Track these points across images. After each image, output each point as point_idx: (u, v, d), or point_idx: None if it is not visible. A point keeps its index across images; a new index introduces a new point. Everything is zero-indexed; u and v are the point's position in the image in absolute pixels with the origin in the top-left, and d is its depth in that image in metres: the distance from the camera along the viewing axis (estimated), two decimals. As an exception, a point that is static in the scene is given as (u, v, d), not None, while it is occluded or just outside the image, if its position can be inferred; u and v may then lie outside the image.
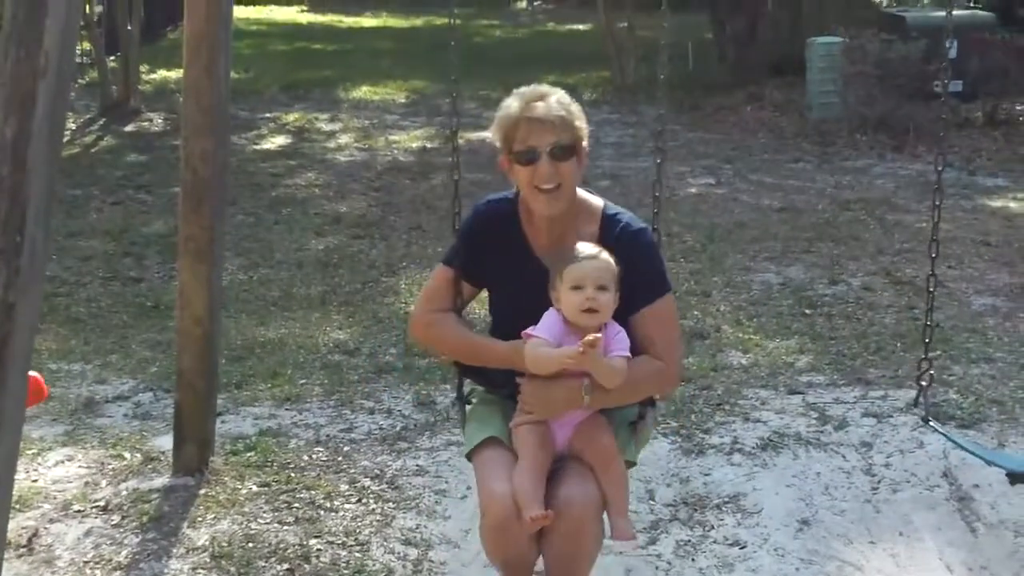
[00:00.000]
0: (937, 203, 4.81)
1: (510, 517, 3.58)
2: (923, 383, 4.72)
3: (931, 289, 4.77)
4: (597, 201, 3.90)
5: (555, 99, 3.75)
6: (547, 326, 3.64)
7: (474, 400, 4.14)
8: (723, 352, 7.15)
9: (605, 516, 3.75)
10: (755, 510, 5.15)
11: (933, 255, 4.79)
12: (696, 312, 7.87)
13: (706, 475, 5.49)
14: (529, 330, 3.64)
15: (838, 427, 5.99)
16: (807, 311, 7.97)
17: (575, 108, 3.80)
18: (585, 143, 3.80)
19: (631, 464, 3.89)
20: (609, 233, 3.79)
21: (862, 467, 5.57)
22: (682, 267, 8.92)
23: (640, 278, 3.72)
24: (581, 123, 3.78)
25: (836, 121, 14.83)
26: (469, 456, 3.89)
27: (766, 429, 5.98)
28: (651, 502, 5.21)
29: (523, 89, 3.82)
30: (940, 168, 4.86)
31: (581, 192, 3.86)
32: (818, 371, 6.83)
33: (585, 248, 3.66)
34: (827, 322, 7.73)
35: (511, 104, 3.77)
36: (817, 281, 8.67)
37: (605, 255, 3.64)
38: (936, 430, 4.83)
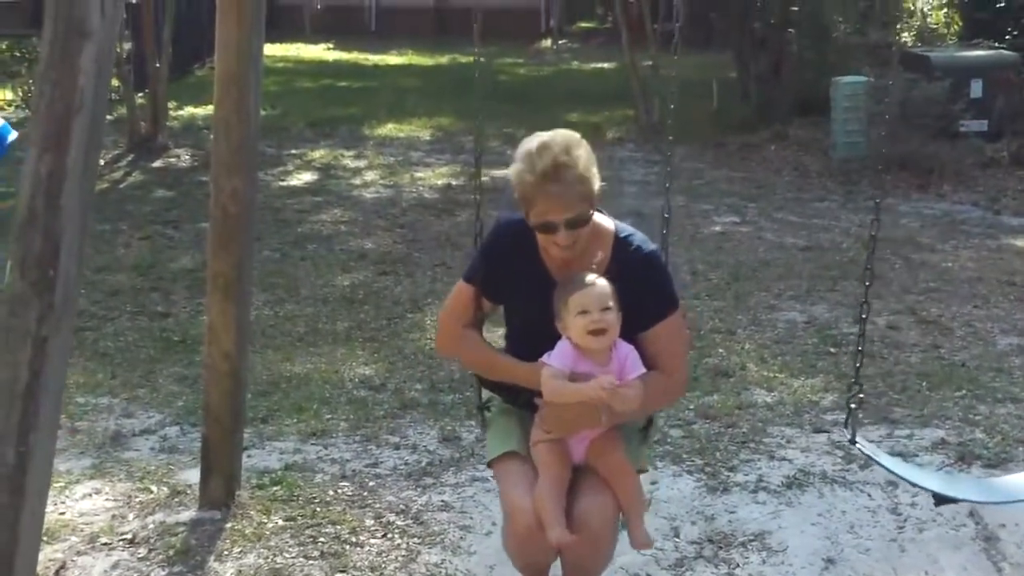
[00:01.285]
0: (874, 230, 5.28)
1: (532, 528, 3.84)
2: (852, 405, 4.81)
3: (864, 316, 5.11)
4: (609, 224, 4.09)
5: (572, 175, 3.84)
6: (559, 354, 3.87)
7: (493, 409, 4.33)
8: (748, 390, 7.15)
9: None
10: (780, 548, 5.14)
11: (867, 280, 5.11)
12: (721, 350, 7.88)
13: (731, 513, 5.48)
14: (544, 358, 3.87)
15: (863, 466, 5.97)
16: (832, 350, 7.96)
17: (589, 169, 3.91)
18: (597, 188, 3.95)
19: (643, 471, 4.16)
20: (622, 255, 4.01)
21: (888, 506, 5.56)
22: (707, 305, 8.93)
23: (651, 297, 3.97)
24: (595, 181, 3.93)
25: (860, 161, 14.83)
26: (489, 464, 4.18)
27: (791, 467, 5.97)
28: (676, 539, 5.21)
29: (535, 150, 3.88)
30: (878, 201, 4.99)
31: (596, 216, 4.03)
32: (843, 410, 6.74)
33: (586, 276, 3.88)
34: (852, 361, 7.70)
35: (526, 175, 3.87)
36: (842, 320, 8.66)
37: (603, 282, 3.87)
38: (863, 452, 4.84)
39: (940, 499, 4.71)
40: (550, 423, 3.92)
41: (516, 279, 4.05)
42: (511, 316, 4.19)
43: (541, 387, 3.87)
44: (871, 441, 6.24)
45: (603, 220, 4.06)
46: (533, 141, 3.92)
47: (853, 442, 4.79)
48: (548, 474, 3.89)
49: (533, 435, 3.99)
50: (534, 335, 3.96)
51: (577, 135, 3.97)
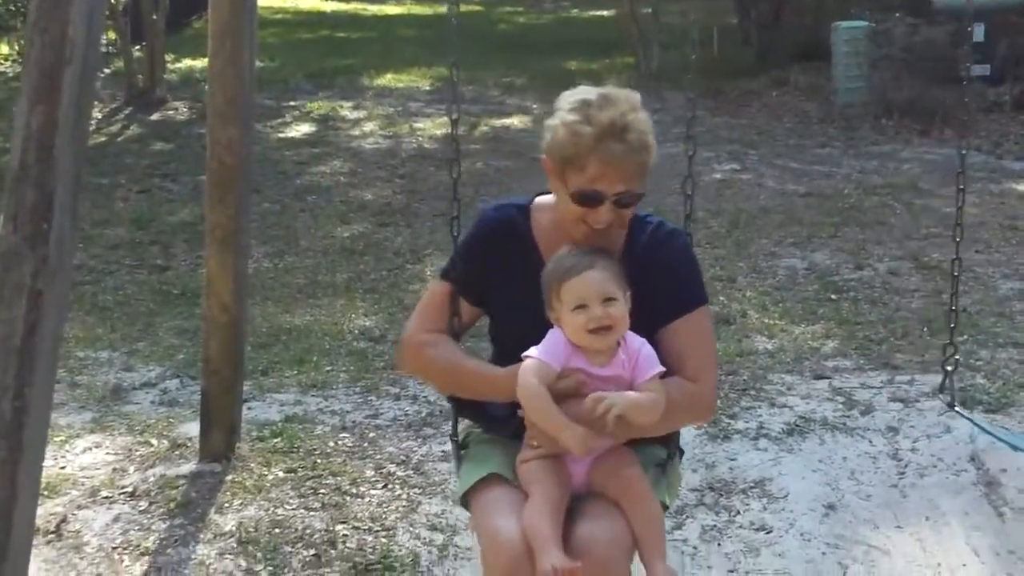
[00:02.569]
0: (961, 187, 4.67)
1: (520, 561, 2.96)
2: (948, 368, 4.66)
3: (956, 273, 4.70)
4: None
5: (637, 138, 3.09)
6: (549, 348, 3.07)
7: (471, 444, 3.50)
8: (749, 337, 7.14)
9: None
10: (781, 495, 5.14)
11: (958, 239, 4.72)
12: (722, 298, 7.86)
13: (732, 460, 5.48)
14: (530, 351, 3.08)
15: (864, 412, 5.97)
16: (833, 296, 7.95)
17: (652, 137, 3.16)
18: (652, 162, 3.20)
19: (664, 507, 3.28)
20: (640, 236, 3.27)
21: (888, 452, 5.56)
22: (707, 253, 8.90)
23: (674, 285, 3.22)
24: (654, 154, 3.17)
25: (862, 106, 14.75)
26: (465, 500, 3.30)
27: (792, 414, 5.97)
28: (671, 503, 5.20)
29: (595, 101, 3.12)
30: (964, 152, 4.71)
31: None
32: (844, 356, 6.82)
33: (577, 256, 3.10)
34: (853, 307, 7.71)
35: (582, 126, 3.08)
36: (843, 266, 8.64)
37: (602, 259, 3.10)
38: (962, 415, 4.81)
39: None
40: (540, 434, 3.11)
41: (506, 272, 3.28)
42: (497, 324, 3.41)
43: (517, 386, 3.05)
44: (870, 388, 6.26)
45: None
46: (588, 91, 3.16)
47: (952, 407, 4.70)
48: (540, 492, 3.05)
49: (521, 455, 3.17)
50: (528, 339, 3.13)
51: (638, 95, 3.21)
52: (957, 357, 4.69)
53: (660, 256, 3.24)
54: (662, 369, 3.10)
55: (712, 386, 3.28)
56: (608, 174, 3.07)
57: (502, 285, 3.30)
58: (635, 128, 3.09)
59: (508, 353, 3.20)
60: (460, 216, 3.59)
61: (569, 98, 3.16)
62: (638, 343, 3.11)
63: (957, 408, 4.75)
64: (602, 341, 3.06)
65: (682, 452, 3.55)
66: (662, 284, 3.20)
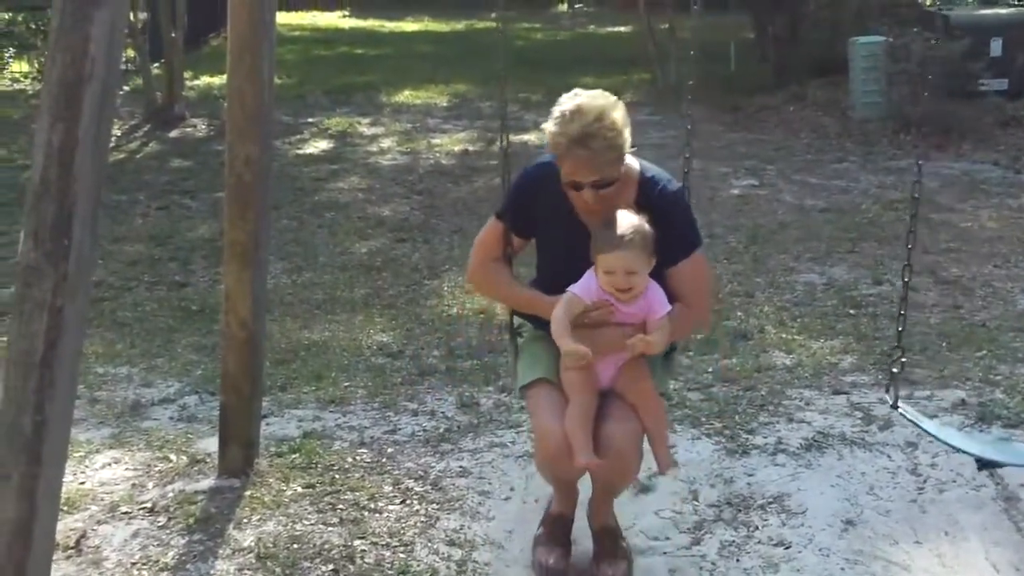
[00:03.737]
0: (916, 195, 5.11)
1: (562, 450, 4.06)
2: (894, 370, 4.79)
3: (906, 279, 4.90)
4: (634, 164, 4.26)
5: (601, 143, 4.02)
6: (584, 285, 4.10)
7: (524, 334, 4.54)
8: (767, 353, 7.12)
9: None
10: (799, 510, 5.13)
11: (909, 246, 4.88)
12: (739, 313, 7.85)
13: (750, 475, 5.47)
14: (571, 287, 4.09)
15: (883, 427, 5.95)
16: (851, 311, 7.93)
17: (621, 135, 4.10)
18: (628, 147, 4.16)
19: (666, 396, 4.52)
20: (648, 196, 4.20)
21: (907, 467, 5.54)
22: (725, 268, 8.90)
23: (676, 235, 4.16)
24: (626, 144, 4.12)
25: (880, 121, 14.74)
26: (520, 391, 4.39)
27: (810, 429, 5.95)
28: (695, 503, 5.20)
29: (569, 114, 4.07)
30: (920, 163, 4.92)
31: None
32: (862, 371, 6.80)
33: (618, 233, 3.99)
34: (871, 322, 7.68)
35: (558, 136, 4.07)
36: (861, 281, 8.62)
37: (636, 238, 4.00)
38: (906, 417, 4.80)
39: (983, 464, 4.68)
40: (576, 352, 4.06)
41: (544, 216, 4.28)
42: (540, 250, 4.44)
43: (554, 310, 4.09)
44: (889, 403, 6.23)
45: (629, 160, 4.22)
46: (569, 102, 4.09)
47: (895, 407, 4.74)
48: (577, 400, 4.11)
49: (563, 361, 4.14)
50: (560, 269, 4.21)
51: (613, 98, 4.14)
52: (904, 359, 4.85)
53: (665, 212, 4.16)
54: (669, 308, 4.12)
55: (705, 309, 4.46)
56: (581, 169, 4.06)
57: (542, 223, 4.32)
58: (599, 136, 4.02)
59: (546, 276, 4.37)
60: (506, 177, 4.49)
61: (557, 107, 4.12)
62: (652, 288, 4.12)
63: (900, 408, 4.75)
64: (624, 297, 4.08)
65: (675, 347, 4.62)
66: (667, 233, 4.11)
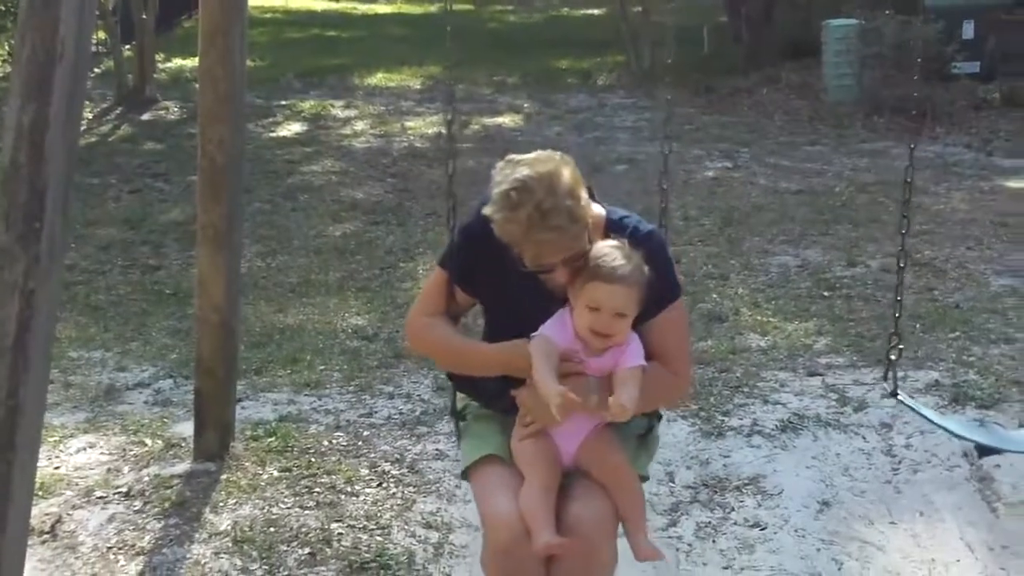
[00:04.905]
0: (909, 180, 4.76)
1: (518, 539, 3.30)
2: (892, 357, 4.66)
3: (901, 264, 4.69)
4: (599, 211, 3.52)
5: (561, 218, 3.24)
6: (557, 328, 3.35)
7: (468, 416, 3.79)
8: (742, 335, 7.14)
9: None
10: (775, 491, 5.14)
11: (903, 231, 4.74)
12: (714, 295, 7.86)
13: (726, 457, 5.48)
14: (542, 328, 3.35)
15: (857, 408, 5.97)
16: (825, 293, 7.95)
17: (579, 202, 3.29)
18: (587, 208, 3.35)
19: (643, 478, 3.61)
20: (618, 238, 3.44)
21: (882, 448, 5.56)
22: (699, 250, 8.91)
23: (651, 284, 3.37)
24: (586, 209, 3.33)
25: (853, 103, 14.77)
26: (465, 474, 3.63)
27: (785, 411, 5.97)
28: (671, 484, 5.20)
29: (515, 196, 3.24)
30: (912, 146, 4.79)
31: None
32: (837, 353, 6.82)
33: (616, 263, 3.30)
34: (845, 304, 7.71)
35: (508, 225, 3.26)
36: (835, 263, 8.65)
37: (635, 275, 3.30)
38: (905, 404, 4.81)
39: (983, 450, 4.67)
40: (532, 407, 3.39)
41: (490, 274, 3.51)
42: (488, 312, 3.69)
43: (531, 357, 3.31)
44: (863, 384, 6.26)
45: (592, 207, 3.45)
46: (509, 179, 3.27)
47: (894, 395, 4.71)
48: (535, 474, 3.37)
49: (515, 433, 3.47)
50: (512, 332, 3.42)
51: (556, 157, 3.35)
52: (901, 347, 4.67)
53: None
54: (643, 364, 3.36)
55: (687, 372, 3.66)
56: (547, 252, 3.29)
57: (487, 283, 3.56)
58: (556, 210, 3.23)
59: (496, 337, 3.52)
60: (456, 209, 3.72)
61: (495, 184, 3.30)
62: (629, 336, 3.37)
63: (900, 396, 4.75)
64: (599, 343, 3.33)
65: (660, 417, 3.81)
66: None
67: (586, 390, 3.30)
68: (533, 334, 3.35)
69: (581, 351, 3.34)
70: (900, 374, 6.33)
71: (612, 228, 3.48)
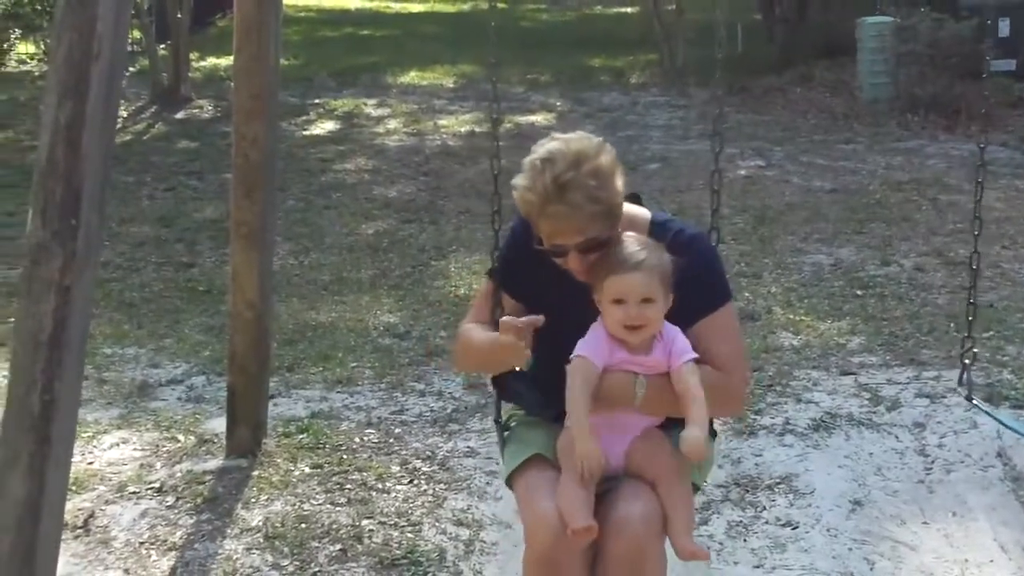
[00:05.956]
0: (980, 180, 4.65)
1: (558, 541, 3.17)
2: (966, 361, 4.57)
3: (974, 266, 4.64)
4: (643, 213, 3.48)
5: (579, 195, 3.19)
6: (592, 343, 3.26)
7: (513, 424, 3.70)
8: (774, 334, 7.12)
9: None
10: (807, 491, 5.13)
11: (976, 232, 4.68)
12: (747, 294, 7.84)
13: (758, 456, 5.47)
14: (578, 347, 3.25)
15: (891, 408, 5.95)
16: (859, 292, 7.92)
17: (607, 184, 3.25)
18: (619, 199, 3.29)
19: (696, 488, 3.47)
20: (660, 241, 3.33)
21: (915, 448, 5.54)
22: (732, 249, 8.88)
23: (697, 287, 3.32)
24: (617, 196, 3.28)
25: (888, 101, 14.70)
26: (509, 481, 3.50)
27: (818, 410, 5.95)
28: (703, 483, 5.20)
29: (539, 161, 3.24)
30: (983, 145, 4.67)
31: (626, 206, 3.38)
32: (870, 352, 6.79)
33: (629, 252, 3.24)
34: (879, 303, 7.68)
35: (527, 193, 3.25)
36: (869, 262, 8.61)
37: (652, 259, 3.22)
38: (981, 408, 4.77)
39: None
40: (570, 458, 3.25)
41: (536, 273, 3.42)
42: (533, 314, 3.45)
43: (567, 385, 3.22)
44: (897, 383, 6.23)
45: (636, 210, 3.46)
46: (539, 150, 3.28)
47: (970, 399, 4.65)
48: (574, 468, 3.21)
49: (562, 435, 3.34)
50: (557, 339, 3.28)
51: (596, 140, 3.31)
52: (975, 350, 4.60)
53: (682, 263, 3.27)
54: (695, 356, 3.25)
55: (742, 378, 3.46)
56: (560, 231, 3.24)
57: (533, 280, 3.45)
58: (575, 186, 3.18)
59: (542, 343, 3.31)
60: (500, 213, 3.70)
61: (527, 158, 3.28)
62: (673, 332, 3.28)
63: (975, 401, 4.70)
64: (635, 337, 3.23)
65: (715, 434, 3.61)
66: (687, 290, 3.28)
67: (633, 388, 3.24)
68: (572, 355, 3.25)
69: (628, 358, 3.25)
70: (933, 373, 6.38)
71: (655, 231, 3.40)
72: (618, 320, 3.22)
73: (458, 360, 3.93)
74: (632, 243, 3.27)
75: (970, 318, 4.58)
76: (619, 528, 3.20)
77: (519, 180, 3.27)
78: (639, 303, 3.19)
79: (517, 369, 3.47)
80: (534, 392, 3.52)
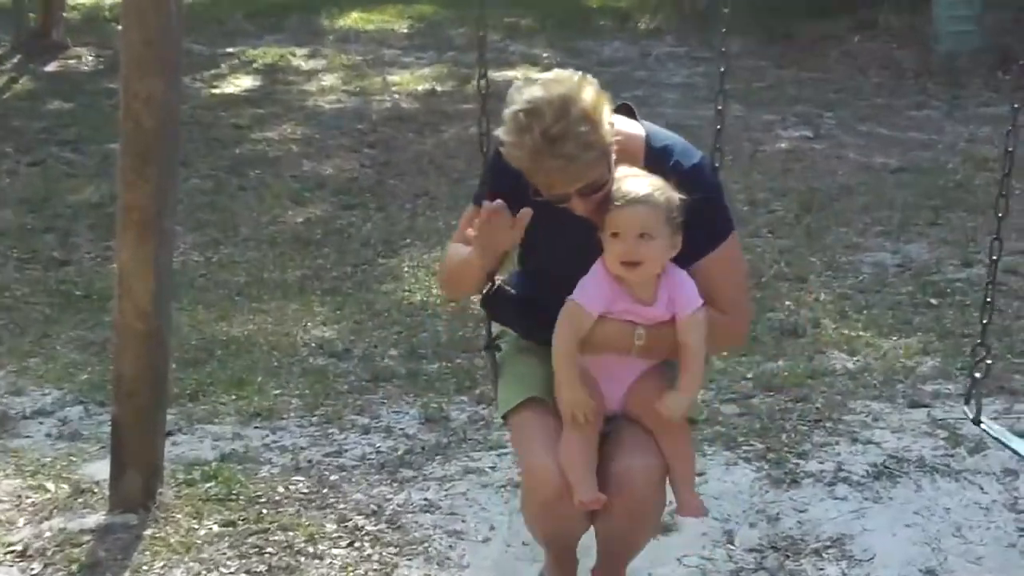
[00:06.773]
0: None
1: (558, 493, 3.86)
2: (976, 375, 4.68)
3: (994, 256, 4.80)
4: (638, 132, 4.02)
5: (572, 145, 3.66)
6: (591, 289, 3.86)
7: (504, 346, 4.38)
8: (823, 354, 7.16)
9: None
10: (865, 557, 5.15)
11: (1000, 215, 4.79)
12: (788, 302, 7.88)
13: (801, 512, 5.49)
14: (577, 289, 3.85)
15: (973, 450, 5.98)
16: (933, 301, 7.97)
17: (597, 127, 3.71)
18: (609, 134, 3.75)
19: (693, 422, 4.19)
20: (657, 172, 3.88)
21: (1005, 501, 5.57)
22: (769, 244, 8.94)
23: (699, 221, 3.86)
24: (608, 135, 3.74)
25: (971, 55, 14.77)
26: (504, 417, 4.17)
27: (879, 452, 5.98)
28: (730, 546, 5.22)
29: (523, 118, 3.68)
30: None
31: (618, 123, 3.88)
32: (948, 378, 6.83)
33: (630, 186, 3.77)
34: (959, 315, 7.72)
35: (514, 150, 3.72)
36: (946, 262, 8.67)
37: (655, 195, 3.75)
38: (989, 434, 4.81)
39: None
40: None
41: (524, 197, 3.85)
42: (525, 243, 4.05)
43: (554, 332, 3.87)
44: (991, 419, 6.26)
45: (630, 129, 3.97)
46: (519, 99, 3.71)
47: (977, 422, 4.71)
48: (575, 424, 3.88)
49: (555, 384, 3.94)
50: (547, 275, 4.03)
51: (574, 77, 3.78)
52: (989, 361, 4.72)
53: (683, 192, 3.81)
54: (701, 302, 3.87)
55: (745, 315, 4.23)
56: (556, 182, 3.76)
57: (518, 209, 3.87)
58: (567, 136, 3.66)
59: (533, 272, 4.17)
60: (488, 136, 4.18)
61: (506, 109, 3.73)
62: (679, 278, 3.88)
63: (984, 424, 4.74)
64: (631, 274, 3.81)
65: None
66: (689, 226, 3.83)
67: (631, 339, 3.87)
68: (569, 297, 3.86)
69: (630, 306, 3.85)
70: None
71: (651, 158, 3.96)
72: (615, 255, 3.78)
73: (444, 278, 4.48)
74: (635, 175, 3.82)
75: (984, 320, 4.72)
76: (621, 481, 3.91)
77: (503, 135, 3.74)
78: (636, 237, 3.74)
79: (512, 292, 4.17)
80: (526, 317, 4.16)
